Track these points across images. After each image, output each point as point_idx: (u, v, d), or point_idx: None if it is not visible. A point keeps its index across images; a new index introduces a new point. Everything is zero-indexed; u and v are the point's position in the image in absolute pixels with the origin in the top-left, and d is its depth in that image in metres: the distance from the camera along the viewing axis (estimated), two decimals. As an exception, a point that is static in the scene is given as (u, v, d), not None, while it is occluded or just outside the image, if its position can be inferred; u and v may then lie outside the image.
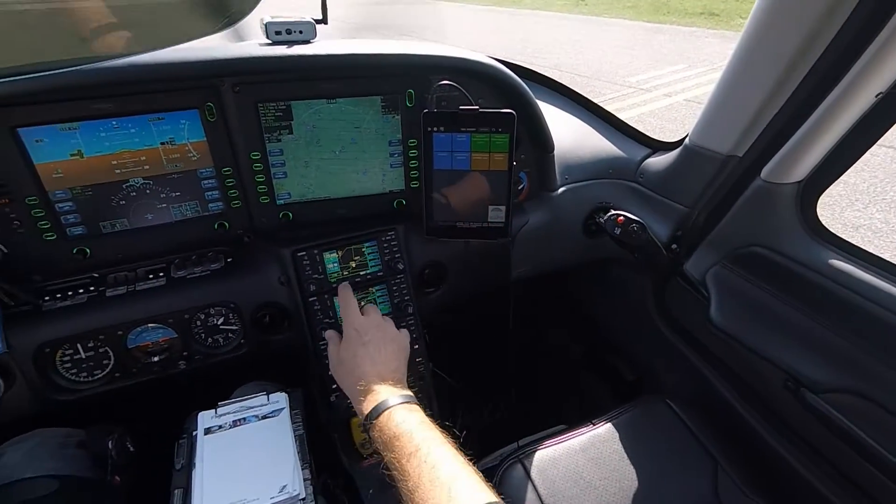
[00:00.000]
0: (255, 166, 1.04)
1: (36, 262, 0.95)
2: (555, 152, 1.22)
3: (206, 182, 1.03)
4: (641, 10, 11.67)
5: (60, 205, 0.94)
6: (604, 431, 1.10)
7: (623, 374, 1.50)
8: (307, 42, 0.99)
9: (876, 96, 0.84)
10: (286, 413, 0.93)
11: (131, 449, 0.98)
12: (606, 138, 1.35)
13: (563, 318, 1.75)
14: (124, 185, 0.97)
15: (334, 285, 1.07)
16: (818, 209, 1.04)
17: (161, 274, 1.01)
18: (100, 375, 0.99)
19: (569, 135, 1.33)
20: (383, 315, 0.98)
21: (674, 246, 1.20)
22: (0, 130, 0.84)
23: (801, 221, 1.03)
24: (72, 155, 0.91)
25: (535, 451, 1.07)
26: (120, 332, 0.97)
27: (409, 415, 0.74)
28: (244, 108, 0.99)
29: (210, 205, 1.06)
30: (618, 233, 1.13)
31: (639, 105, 5.63)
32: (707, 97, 1.06)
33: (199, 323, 1.03)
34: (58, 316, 0.92)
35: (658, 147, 1.30)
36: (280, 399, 0.97)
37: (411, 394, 0.80)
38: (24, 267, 0.94)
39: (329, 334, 0.96)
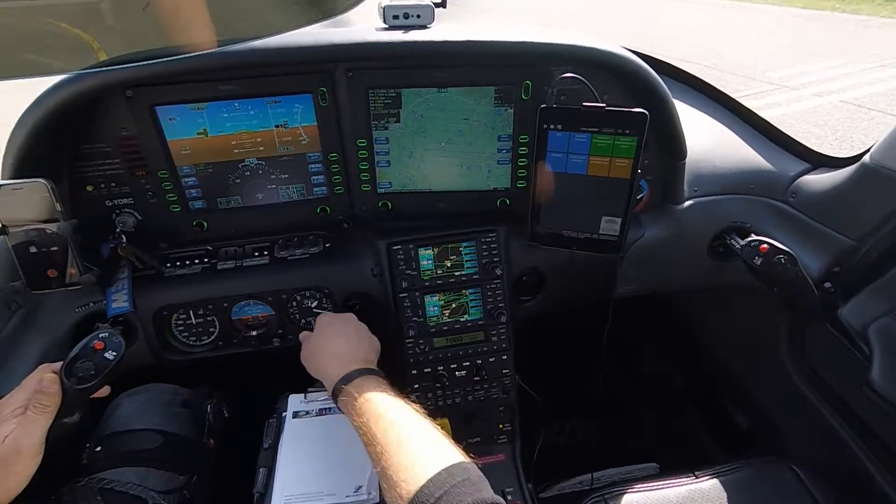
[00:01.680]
0: (361, 153, 1.03)
1: (162, 231, 1.03)
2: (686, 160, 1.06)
3: (312, 166, 1.05)
4: (798, -7, 10.02)
5: (186, 179, 1.01)
6: (708, 488, 0.96)
7: (735, 421, 1.30)
8: (424, 27, 0.94)
9: None
10: (368, 409, 0.93)
11: (226, 415, 1.04)
12: (751, 146, 1.15)
13: (667, 345, 1.57)
14: (240, 165, 1.01)
15: (427, 284, 1.04)
16: None
17: (265, 252, 1.05)
18: (206, 341, 1.05)
19: (704, 139, 1.15)
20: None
21: (827, 284, 0.99)
22: (141, 108, 0.91)
23: None
24: (198, 133, 0.97)
25: (623, 493, 0.96)
26: (226, 304, 1.02)
27: (377, 384, 0.76)
28: (355, 93, 0.97)
29: (315, 189, 1.07)
30: (758, 263, 0.95)
31: (779, 105, 4.87)
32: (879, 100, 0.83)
33: (294, 303, 1.06)
34: (176, 283, 0.99)
35: (822, 162, 1.08)
36: (364, 393, 0.96)
37: (379, 370, 0.82)
38: (153, 235, 1.02)
39: (303, 335, 0.95)
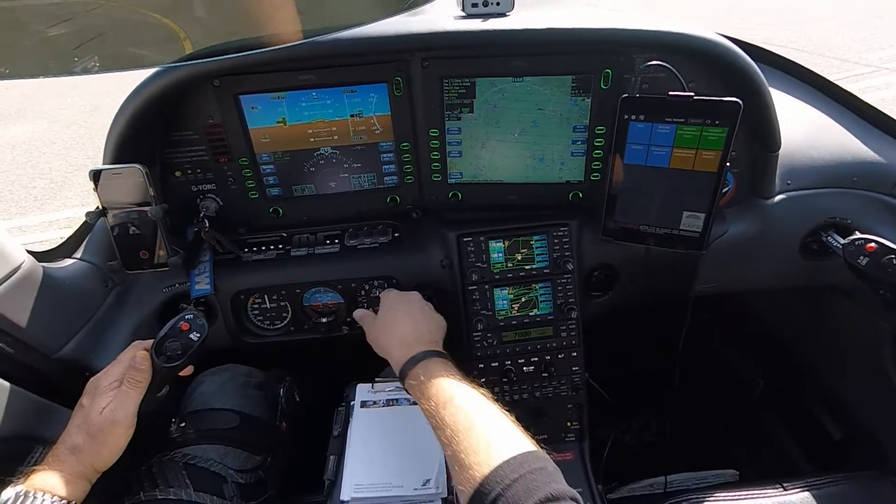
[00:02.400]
0: (433, 143, 1.03)
1: (241, 216, 1.07)
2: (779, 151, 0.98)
3: (384, 156, 1.05)
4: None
5: (264, 167, 1.04)
6: (799, 501, 0.89)
7: (825, 430, 1.21)
8: (503, 15, 0.92)
9: None
10: (435, 401, 0.92)
11: (297, 399, 1.07)
12: (855, 135, 1.06)
13: (746, 346, 1.48)
14: (315, 153, 1.03)
15: (497, 277, 1.02)
16: None
17: (336, 241, 1.06)
18: (279, 326, 1.09)
19: (799, 128, 1.07)
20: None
21: None
22: (227, 96, 0.94)
23: None
24: (277, 122, 0.99)
25: (702, 501, 0.91)
26: (298, 290, 1.05)
27: (444, 366, 0.76)
28: (430, 83, 0.97)
29: (385, 178, 1.08)
30: (864, 263, 0.87)
31: (877, 88, 4.43)
32: None
33: (363, 292, 1.07)
34: (253, 268, 1.03)
35: None
36: (430, 386, 0.96)
37: (445, 352, 0.81)
38: (233, 220, 1.06)
39: (360, 313, 0.97)
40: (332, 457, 0.87)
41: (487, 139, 1.03)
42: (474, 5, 0.92)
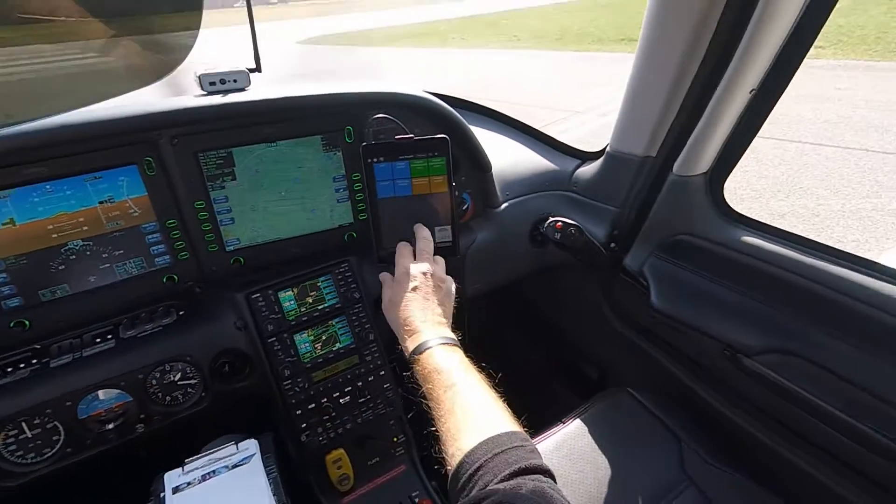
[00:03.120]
0: (201, 215, 1.05)
1: None
2: (493, 171, 1.29)
3: (150, 237, 1.02)
4: (567, 41, 13.00)
5: None
6: (573, 428, 1.15)
7: (587, 374, 1.56)
8: (242, 90, 1.02)
9: (749, 92, 0.98)
10: (258, 458, 0.91)
11: (91, 526, 0.91)
12: (540, 154, 1.46)
13: (524, 329, 1.81)
14: (62, 250, 0.95)
15: (293, 323, 1.07)
16: (741, 200, 1.17)
17: (109, 336, 0.97)
18: (49, 454, 0.92)
19: (505, 154, 1.42)
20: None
21: (612, 245, 1.29)
22: None
23: (712, 207, 1.15)
24: (3, 224, 0.89)
25: None
26: (69, 403, 0.92)
27: (450, 354, 0.82)
28: (184, 159, 1.00)
29: (156, 259, 1.04)
30: (558, 237, 1.21)
31: (578, 126, 6.04)
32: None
33: (154, 382, 0.99)
34: None
35: (585, 157, 1.42)
36: (250, 446, 0.94)
37: (454, 336, 0.87)
38: None
39: (383, 276, 1.02)
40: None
41: (257, 202, 1.10)
42: (212, 83, 1.00)
